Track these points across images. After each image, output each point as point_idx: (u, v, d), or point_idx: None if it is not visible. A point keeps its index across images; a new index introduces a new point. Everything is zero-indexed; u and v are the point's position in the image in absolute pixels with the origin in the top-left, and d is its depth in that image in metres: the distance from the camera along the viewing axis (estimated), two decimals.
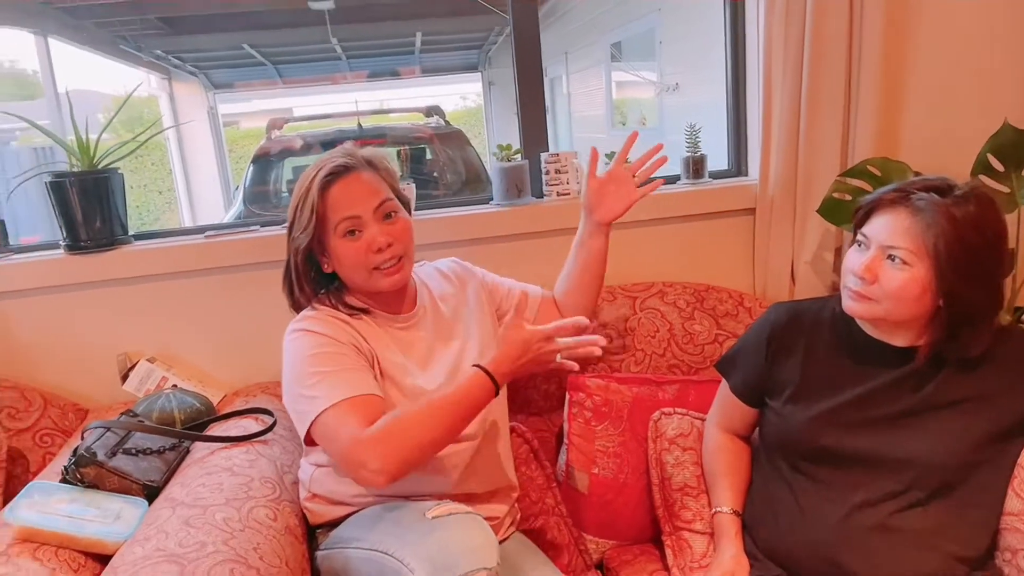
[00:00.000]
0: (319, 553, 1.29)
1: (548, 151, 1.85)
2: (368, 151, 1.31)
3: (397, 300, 1.34)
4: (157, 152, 8.50)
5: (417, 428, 1.11)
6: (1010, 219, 1.62)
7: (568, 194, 1.83)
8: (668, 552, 1.44)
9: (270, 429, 1.45)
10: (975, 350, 1.17)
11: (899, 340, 1.23)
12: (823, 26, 1.68)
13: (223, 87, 8.46)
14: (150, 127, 1.76)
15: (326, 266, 1.29)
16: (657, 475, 1.49)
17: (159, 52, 6.91)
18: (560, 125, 7.46)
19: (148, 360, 1.67)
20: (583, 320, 1.19)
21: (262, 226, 1.78)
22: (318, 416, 1.16)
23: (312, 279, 1.30)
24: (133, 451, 1.29)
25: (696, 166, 1.90)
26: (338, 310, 1.28)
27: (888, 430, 1.20)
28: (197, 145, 8.73)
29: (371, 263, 1.25)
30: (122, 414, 1.40)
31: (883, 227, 1.17)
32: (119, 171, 1.69)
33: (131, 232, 1.73)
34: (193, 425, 1.48)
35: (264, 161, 4.60)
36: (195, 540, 1.07)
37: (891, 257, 1.15)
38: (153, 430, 1.35)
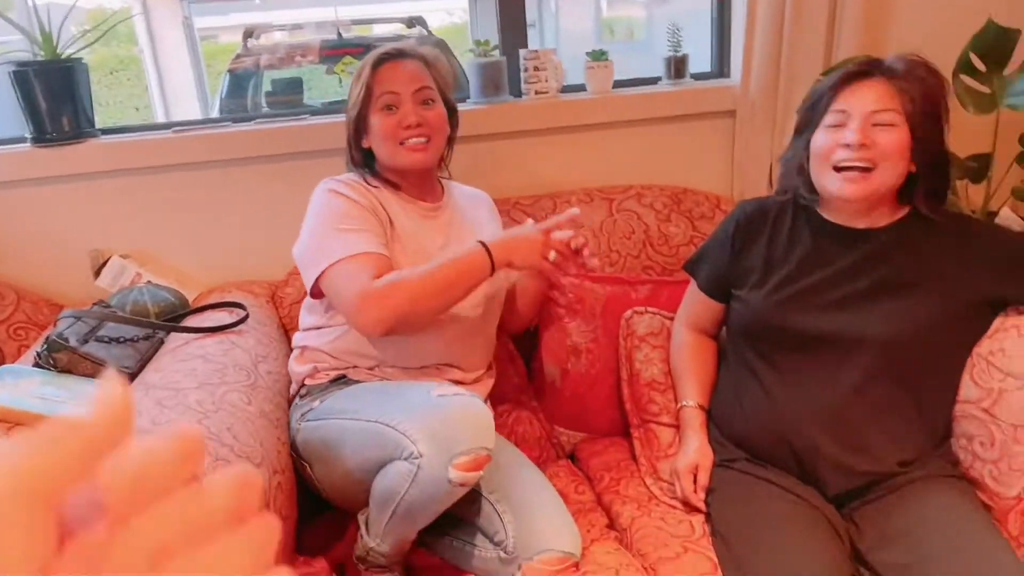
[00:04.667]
0: (305, 424, 1.31)
1: (528, 48, 1.81)
2: (427, 49, 1.42)
3: (423, 185, 1.42)
4: (133, 67, 8.22)
5: (417, 287, 1.21)
6: (987, 120, 1.62)
7: (547, 92, 1.79)
8: (636, 443, 1.48)
9: (243, 321, 1.45)
10: (928, 220, 1.25)
11: (858, 222, 1.26)
12: None
13: None
14: (115, 15, 1.69)
15: (365, 141, 1.39)
16: (626, 371, 1.52)
17: None
18: (547, 40, 7.28)
19: (121, 256, 1.66)
20: (575, 211, 1.28)
21: (234, 122, 1.75)
22: (331, 266, 1.25)
23: (360, 151, 1.41)
24: (106, 339, 1.30)
25: (678, 66, 1.86)
26: (367, 181, 1.39)
27: (847, 311, 1.23)
28: (173, 61, 8.44)
29: (399, 137, 1.34)
30: (94, 305, 1.40)
31: (864, 97, 1.20)
32: (83, 61, 1.64)
33: (98, 127, 1.69)
34: (168, 318, 1.49)
35: (241, 71, 4.46)
36: (168, 419, 1.09)
37: (877, 123, 1.19)
38: (125, 320, 1.36)
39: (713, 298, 1.40)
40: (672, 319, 1.52)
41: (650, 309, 1.54)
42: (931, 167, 1.21)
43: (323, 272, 1.27)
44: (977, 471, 1.23)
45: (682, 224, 1.72)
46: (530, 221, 1.33)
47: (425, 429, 1.10)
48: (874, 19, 1.76)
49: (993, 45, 1.60)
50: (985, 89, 1.63)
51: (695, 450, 1.33)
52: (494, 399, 1.51)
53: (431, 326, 1.31)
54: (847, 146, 1.19)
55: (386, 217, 1.35)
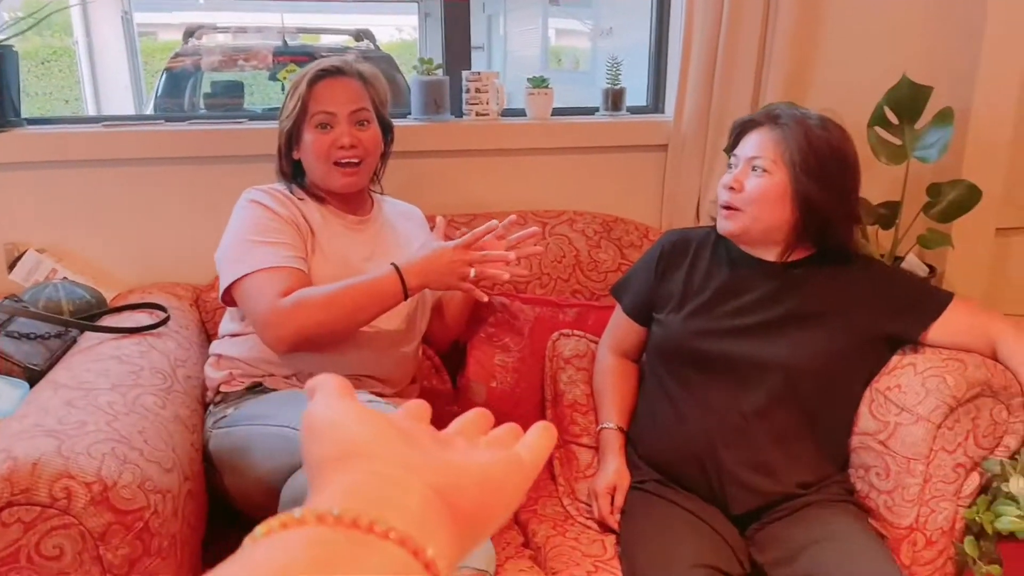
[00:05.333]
0: (216, 431, 1.29)
1: (471, 70, 1.84)
2: (366, 67, 1.42)
3: (350, 199, 1.42)
4: (66, 58, 7.92)
5: (323, 309, 1.21)
6: (898, 171, 1.73)
7: (487, 114, 1.82)
8: (555, 463, 1.51)
9: (163, 323, 1.42)
10: (838, 258, 1.31)
11: (769, 255, 1.34)
12: None
13: None
14: (51, 3, 1.65)
15: (296, 153, 1.39)
16: (551, 391, 1.55)
17: None
18: (495, 63, 7.38)
19: (37, 250, 1.60)
20: (494, 223, 1.28)
21: (168, 121, 1.71)
22: (242, 278, 1.26)
23: (290, 162, 1.41)
24: (15, 335, 1.25)
25: (615, 98, 1.92)
26: (292, 192, 1.38)
27: (755, 337, 1.30)
28: (108, 55, 8.17)
29: (332, 157, 1.35)
30: (5, 299, 1.35)
31: (750, 144, 1.30)
32: (13, 49, 1.59)
33: (24, 117, 1.64)
34: (83, 316, 1.44)
35: (179, 70, 4.36)
36: (76, 419, 1.05)
37: (754, 168, 1.28)
38: (37, 316, 1.31)
39: (636, 322, 1.45)
40: (597, 343, 1.55)
41: (576, 332, 1.58)
42: (813, 214, 1.27)
43: (234, 283, 1.27)
44: (873, 500, 1.30)
45: (611, 251, 1.77)
46: (440, 219, 1.34)
47: None
48: (799, 68, 1.86)
49: (906, 100, 1.71)
50: (897, 141, 1.74)
51: (614, 471, 1.37)
52: None
53: (350, 339, 1.31)
54: (728, 188, 1.30)
55: (307, 228, 1.35)
